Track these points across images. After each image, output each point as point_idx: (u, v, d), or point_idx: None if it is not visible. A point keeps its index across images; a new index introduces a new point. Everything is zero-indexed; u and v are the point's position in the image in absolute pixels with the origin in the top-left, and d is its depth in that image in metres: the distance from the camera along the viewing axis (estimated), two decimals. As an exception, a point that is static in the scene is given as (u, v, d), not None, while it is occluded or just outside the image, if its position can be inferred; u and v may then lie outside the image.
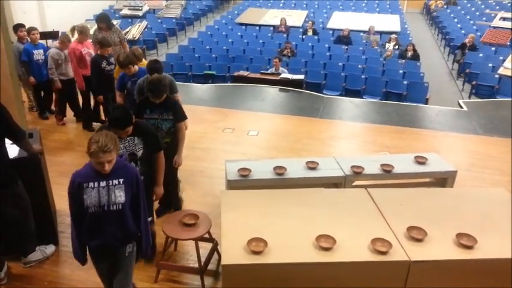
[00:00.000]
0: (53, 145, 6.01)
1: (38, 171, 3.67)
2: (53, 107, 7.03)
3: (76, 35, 6.54)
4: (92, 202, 2.55)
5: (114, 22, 8.63)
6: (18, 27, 6.81)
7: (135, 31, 12.49)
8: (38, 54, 6.48)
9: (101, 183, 2.56)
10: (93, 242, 2.69)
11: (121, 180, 2.61)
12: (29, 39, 6.62)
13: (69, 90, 6.54)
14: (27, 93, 7.19)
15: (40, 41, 6.71)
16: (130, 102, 4.79)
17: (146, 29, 13.08)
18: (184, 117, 4.08)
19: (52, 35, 9.94)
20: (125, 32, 11.37)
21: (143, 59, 5.74)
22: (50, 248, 3.85)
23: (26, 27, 6.76)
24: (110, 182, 2.58)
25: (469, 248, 2.85)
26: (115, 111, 3.18)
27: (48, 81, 6.54)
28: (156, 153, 3.42)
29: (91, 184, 2.56)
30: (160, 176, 3.51)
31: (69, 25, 11.92)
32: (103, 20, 6.58)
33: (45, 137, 5.87)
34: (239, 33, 13.20)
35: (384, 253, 2.78)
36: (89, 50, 6.31)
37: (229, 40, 12.34)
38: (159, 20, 14.83)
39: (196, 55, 10.90)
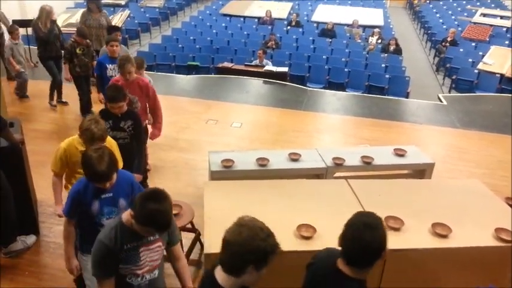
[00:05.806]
0: (34, 134, 5.93)
1: (19, 161, 3.65)
2: None
3: None
4: None
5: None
6: (114, 30, 6.09)
7: (117, 20, 12.28)
8: (112, 70, 5.23)
9: None
10: None
11: None
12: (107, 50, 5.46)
13: None
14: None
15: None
16: None
17: (129, 18, 12.88)
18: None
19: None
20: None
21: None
22: (31, 238, 3.84)
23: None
24: None
25: (444, 237, 2.96)
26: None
27: None
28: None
29: None
30: None
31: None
32: (93, 0, 6.64)
33: (26, 126, 5.78)
34: (223, 24, 13.13)
35: (362, 242, 2.86)
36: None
37: (214, 31, 12.27)
38: (142, 9, 14.62)
39: (180, 46, 10.81)
